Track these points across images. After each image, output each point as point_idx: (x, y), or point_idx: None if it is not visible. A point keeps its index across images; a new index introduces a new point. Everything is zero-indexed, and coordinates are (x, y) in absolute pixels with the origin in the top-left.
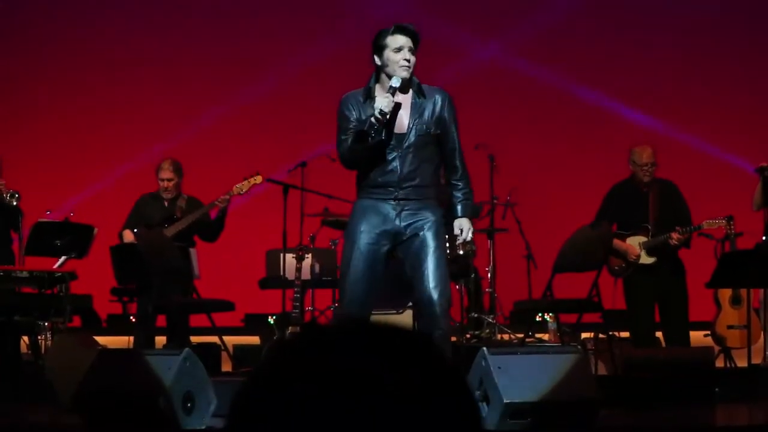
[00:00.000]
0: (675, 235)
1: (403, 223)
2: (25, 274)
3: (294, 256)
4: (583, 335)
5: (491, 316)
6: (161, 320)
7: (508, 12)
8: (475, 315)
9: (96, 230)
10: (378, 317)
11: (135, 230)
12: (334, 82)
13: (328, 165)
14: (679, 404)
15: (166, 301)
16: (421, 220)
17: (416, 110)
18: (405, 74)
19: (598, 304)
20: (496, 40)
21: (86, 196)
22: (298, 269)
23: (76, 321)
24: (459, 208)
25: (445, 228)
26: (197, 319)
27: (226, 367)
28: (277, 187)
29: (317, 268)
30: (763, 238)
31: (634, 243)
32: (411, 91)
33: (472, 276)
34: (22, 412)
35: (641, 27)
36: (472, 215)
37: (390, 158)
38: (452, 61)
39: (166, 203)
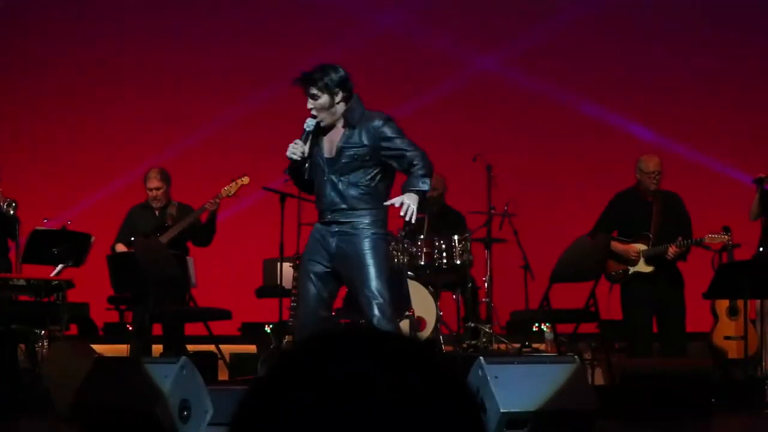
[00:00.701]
0: (672, 249)
1: (335, 245)
2: (22, 282)
3: (291, 264)
4: (580, 345)
5: (488, 325)
6: (158, 329)
7: (508, 24)
8: (472, 325)
9: (93, 239)
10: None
11: (132, 239)
12: None
13: None
14: (675, 415)
15: (162, 310)
16: (352, 241)
17: (344, 138)
18: (314, 120)
19: (595, 314)
20: (495, 52)
21: (84, 204)
22: (295, 278)
23: (73, 329)
24: (410, 183)
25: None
26: (194, 328)
27: (223, 375)
28: (274, 196)
29: None
30: (760, 249)
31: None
32: (343, 121)
33: (469, 285)
34: (19, 421)
35: (640, 40)
36: (420, 193)
37: (322, 185)
38: (451, 73)
39: (156, 212)
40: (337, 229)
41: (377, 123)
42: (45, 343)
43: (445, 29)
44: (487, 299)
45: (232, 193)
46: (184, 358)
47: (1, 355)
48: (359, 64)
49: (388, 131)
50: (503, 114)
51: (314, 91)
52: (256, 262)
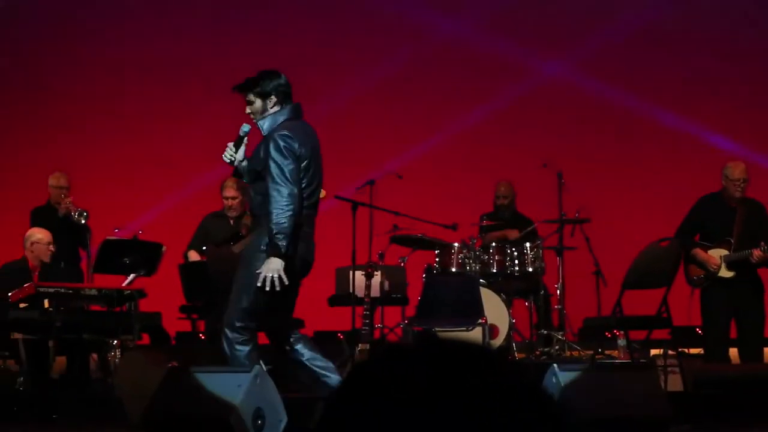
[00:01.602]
0: (757, 252)
1: None
2: (93, 292)
3: (363, 273)
4: (653, 352)
5: (560, 332)
6: None
7: (575, 29)
8: (545, 332)
9: (164, 248)
10: (448, 334)
11: (204, 248)
12: (401, 101)
13: (396, 183)
14: (750, 422)
15: None
16: (249, 247)
17: (256, 148)
18: (249, 126)
19: (668, 321)
20: (563, 58)
21: (154, 214)
22: (368, 286)
23: (145, 339)
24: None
25: None
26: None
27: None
28: (346, 205)
29: (386, 285)
30: None
31: (716, 255)
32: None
33: (541, 293)
34: (91, 431)
35: (713, 47)
36: (274, 252)
37: None
38: (519, 79)
39: (231, 221)
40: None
41: (273, 135)
42: (117, 353)
43: (510, 36)
44: (560, 306)
45: None
46: (257, 366)
47: (73, 365)
48: (425, 71)
49: (269, 150)
50: (572, 120)
51: (249, 97)
52: (328, 270)
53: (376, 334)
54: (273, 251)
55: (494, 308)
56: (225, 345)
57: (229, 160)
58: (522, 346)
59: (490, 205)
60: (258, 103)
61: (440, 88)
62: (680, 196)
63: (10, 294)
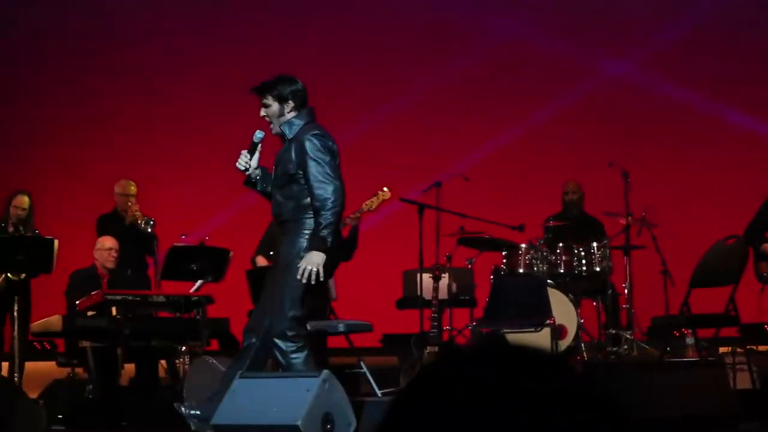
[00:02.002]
0: None
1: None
2: (161, 298)
3: (431, 275)
4: (721, 350)
5: (629, 332)
6: None
7: (639, 28)
8: (613, 331)
9: (232, 254)
10: (516, 336)
11: (271, 252)
12: (466, 102)
13: (462, 184)
14: None
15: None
16: (284, 253)
17: (281, 152)
18: (263, 133)
19: (736, 318)
20: (628, 56)
21: (221, 219)
22: (435, 289)
23: (214, 344)
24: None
25: None
26: (335, 341)
27: (365, 388)
28: (413, 208)
29: (454, 287)
30: None
31: None
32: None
33: (609, 292)
34: None
35: None
36: (319, 246)
37: (272, 195)
38: (584, 79)
39: None
40: (282, 238)
41: (304, 137)
42: (185, 359)
43: (575, 35)
44: (628, 305)
45: (374, 207)
46: (326, 371)
47: (142, 372)
48: (490, 73)
49: (307, 150)
50: (638, 119)
51: (266, 99)
52: (395, 273)
53: (445, 337)
54: (318, 245)
55: (562, 309)
56: (280, 357)
57: (243, 168)
58: (590, 346)
59: (557, 205)
60: (275, 106)
61: (506, 89)
62: (746, 194)
63: (78, 302)
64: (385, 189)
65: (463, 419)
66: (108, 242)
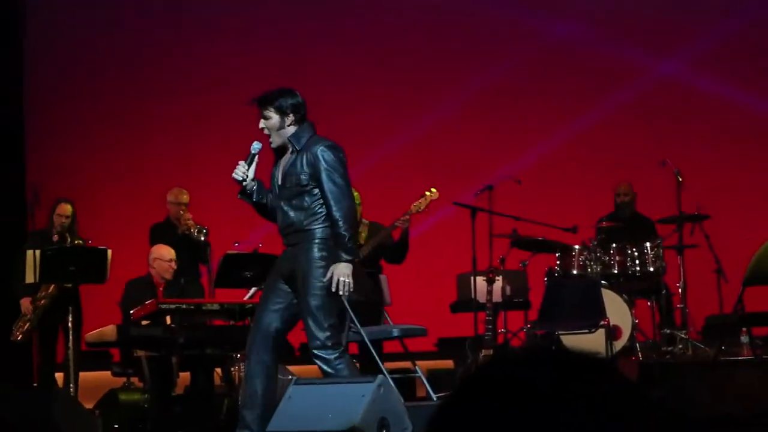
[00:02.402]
0: None
1: (287, 267)
2: (215, 306)
3: (484, 278)
4: None
5: (683, 331)
6: (353, 347)
7: (688, 27)
8: (668, 331)
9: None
10: (571, 337)
11: None
12: (518, 104)
13: (515, 187)
14: None
15: (357, 329)
16: (298, 263)
17: (290, 163)
18: (260, 145)
19: None
20: (678, 56)
21: (274, 226)
22: (489, 292)
23: None
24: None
25: None
26: (390, 345)
27: (421, 392)
28: (465, 211)
29: (508, 289)
30: None
31: None
32: (290, 146)
33: (663, 292)
34: None
35: None
36: (346, 257)
37: (276, 208)
38: (635, 79)
39: None
40: (289, 252)
41: (317, 149)
42: (240, 367)
43: (624, 35)
44: (682, 305)
45: (423, 208)
46: (381, 376)
47: (197, 381)
48: (541, 74)
49: (322, 163)
50: (689, 118)
51: (266, 111)
52: (449, 277)
53: (499, 340)
54: (345, 256)
55: (616, 309)
56: (325, 367)
57: (240, 178)
58: (645, 346)
59: (609, 205)
60: (275, 119)
61: (556, 90)
62: None
63: (132, 311)
64: (432, 189)
65: (509, 423)
66: (169, 253)
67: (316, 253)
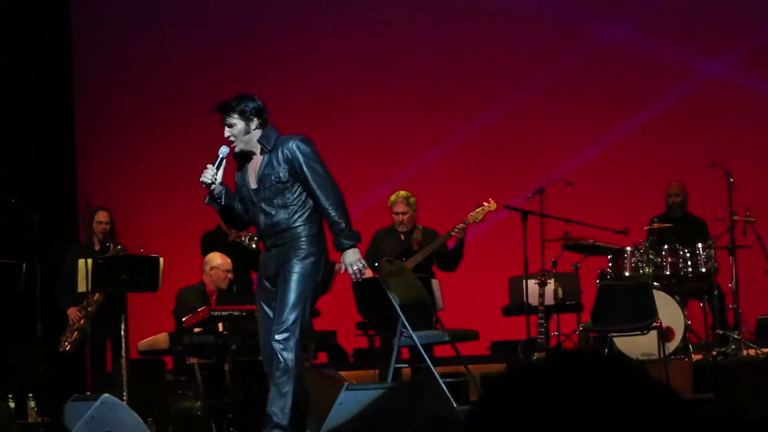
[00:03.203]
0: None
1: (273, 267)
2: None
3: (536, 281)
4: None
5: (736, 332)
6: (405, 352)
7: (737, 27)
8: (720, 332)
9: (337, 266)
10: (623, 339)
11: (375, 264)
12: (568, 106)
13: (566, 190)
14: None
15: (409, 333)
16: (285, 262)
17: (264, 164)
18: (228, 148)
19: None
20: (727, 56)
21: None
22: (541, 295)
23: (322, 357)
24: (335, 244)
25: None
26: (442, 349)
27: (474, 396)
28: (517, 215)
29: (560, 292)
30: None
31: None
32: (259, 148)
33: (715, 293)
34: None
35: None
36: (352, 244)
37: (255, 213)
38: (683, 80)
39: (402, 236)
40: (275, 252)
41: (291, 144)
42: None
43: (672, 36)
44: (734, 305)
45: (480, 218)
46: (430, 380)
47: (249, 387)
48: (589, 77)
49: (300, 156)
50: (739, 118)
51: (230, 119)
52: (501, 280)
53: (552, 342)
54: (348, 242)
55: (669, 310)
56: (281, 355)
57: (210, 181)
58: (698, 347)
59: (660, 206)
60: (241, 124)
61: (605, 93)
62: None
63: (184, 319)
64: (490, 200)
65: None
66: (226, 263)
67: (305, 250)
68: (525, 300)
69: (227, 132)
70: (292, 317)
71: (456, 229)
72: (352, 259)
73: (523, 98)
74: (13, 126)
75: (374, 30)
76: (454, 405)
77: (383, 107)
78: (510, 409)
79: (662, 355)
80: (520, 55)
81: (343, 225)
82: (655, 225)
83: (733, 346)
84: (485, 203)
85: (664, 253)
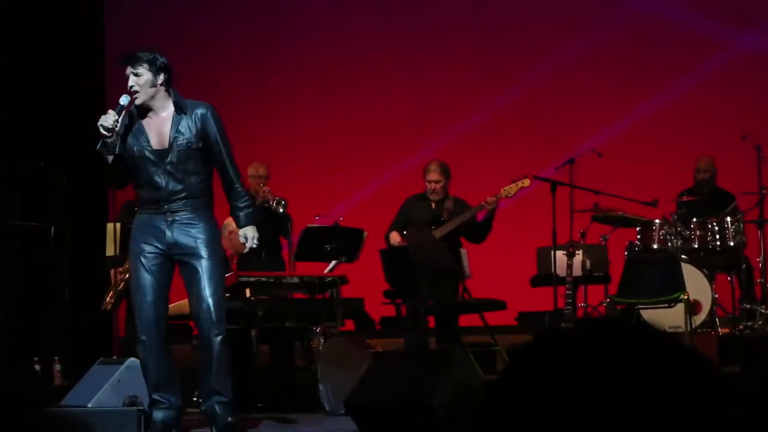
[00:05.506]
0: None
1: (175, 235)
2: (295, 280)
3: (565, 252)
4: None
5: (764, 306)
6: (431, 320)
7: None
8: (748, 306)
9: (366, 234)
10: (651, 311)
11: (404, 232)
12: (599, 76)
13: (596, 161)
14: None
15: (437, 302)
16: (192, 231)
17: (175, 126)
18: (134, 98)
19: None
20: (760, 29)
21: (356, 200)
22: (569, 266)
23: (349, 325)
24: (240, 217)
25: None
26: (469, 319)
27: (501, 366)
28: (546, 185)
29: (588, 264)
30: None
31: None
32: (172, 107)
33: (743, 267)
34: (297, 419)
35: None
36: (254, 221)
37: (155, 175)
38: (715, 53)
39: (433, 205)
40: (175, 218)
41: (205, 111)
42: (321, 340)
43: (705, 8)
44: (762, 280)
45: (512, 194)
46: (457, 349)
47: (277, 354)
48: (621, 48)
49: (214, 125)
50: None
51: (138, 68)
52: (529, 251)
53: (579, 313)
54: (254, 220)
55: (696, 283)
56: (221, 326)
57: (110, 126)
58: (725, 321)
59: (690, 180)
60: (148, 76)
61: (637, 64)
62: None
63: None
64: (525, 177)
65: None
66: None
67: (213, 221)
68: (553, 271)
69: (132, 81)
70: (220, 290)
71: (487, 202)
72: (254, 233)
73: (555, 70)
74: (53, 96)
75: (407, 3)
76: (481, 375)
77: (417, 78)
78: (536, 378)
79: (689, 328)
80: (553, 26)
81: (251, 206)
82: (684, 198)
83: (761, 321)
84: (520, 180)
85: (692, 226)
